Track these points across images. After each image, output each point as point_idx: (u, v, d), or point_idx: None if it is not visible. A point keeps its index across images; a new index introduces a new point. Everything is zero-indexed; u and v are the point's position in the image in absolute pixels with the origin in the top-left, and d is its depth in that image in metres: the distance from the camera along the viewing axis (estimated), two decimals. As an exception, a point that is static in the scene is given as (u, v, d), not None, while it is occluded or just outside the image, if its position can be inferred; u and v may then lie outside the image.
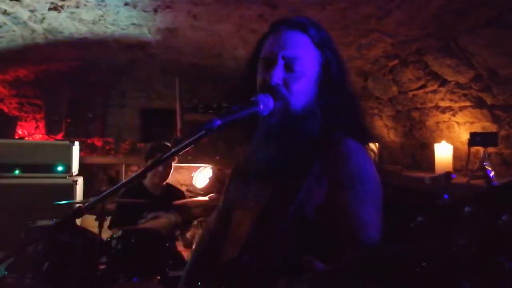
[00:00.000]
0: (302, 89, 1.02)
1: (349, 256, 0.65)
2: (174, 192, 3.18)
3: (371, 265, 0.57)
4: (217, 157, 4.38)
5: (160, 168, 2.97)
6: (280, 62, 1.01)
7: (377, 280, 0.56)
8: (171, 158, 0.94)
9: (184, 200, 2.92)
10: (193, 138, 0.88)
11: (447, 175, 2.18)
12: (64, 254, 2.13)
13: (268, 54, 1.04)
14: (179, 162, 4.26)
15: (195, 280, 1.13)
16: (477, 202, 0.50)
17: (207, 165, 4.29)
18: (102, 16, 2.89)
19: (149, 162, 2.91)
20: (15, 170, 3.41)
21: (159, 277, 2.31)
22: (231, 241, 1.03)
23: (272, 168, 1.00)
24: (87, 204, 1.30)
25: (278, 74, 1.00)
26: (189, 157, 4.32)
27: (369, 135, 1.07)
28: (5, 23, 2.86)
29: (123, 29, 3.17)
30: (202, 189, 4.24)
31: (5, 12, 2.65)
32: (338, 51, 1.08)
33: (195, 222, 3.62)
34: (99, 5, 2.68)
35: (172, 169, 3.13)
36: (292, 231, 0.90)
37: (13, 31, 3.02)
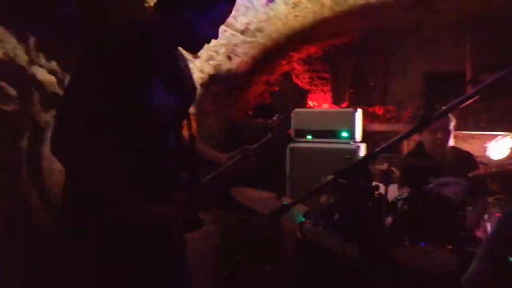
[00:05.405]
0: None
1: None
2: (462, 155, 2.85)
3: None
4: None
5: (439, 134, 2.73)
6: None
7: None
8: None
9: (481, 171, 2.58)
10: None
11: None
12: (353, 205, 2.22)
13: None
14: (470, 130, 3.79)
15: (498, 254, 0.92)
16: None
17: (506, 133, 3.61)
18: (386, -27, 2.81)
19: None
20: (308, 135, 3.82)
21: (450, 247, 2.08)
22: None
23: None
24: (376, 150, 1.27)
25: None
26: (483, 125, 3.76)
27: None
28: (300, 1, 3.20)
29: (406, -16, 3.00)
30: (499, 162, 3.61)
31: (301, -10, 2.95)
32: None
33: (491, 200, 3.12)
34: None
35: (452, 134, 2.82)
36: None
37: (307, 8, 3.35)
